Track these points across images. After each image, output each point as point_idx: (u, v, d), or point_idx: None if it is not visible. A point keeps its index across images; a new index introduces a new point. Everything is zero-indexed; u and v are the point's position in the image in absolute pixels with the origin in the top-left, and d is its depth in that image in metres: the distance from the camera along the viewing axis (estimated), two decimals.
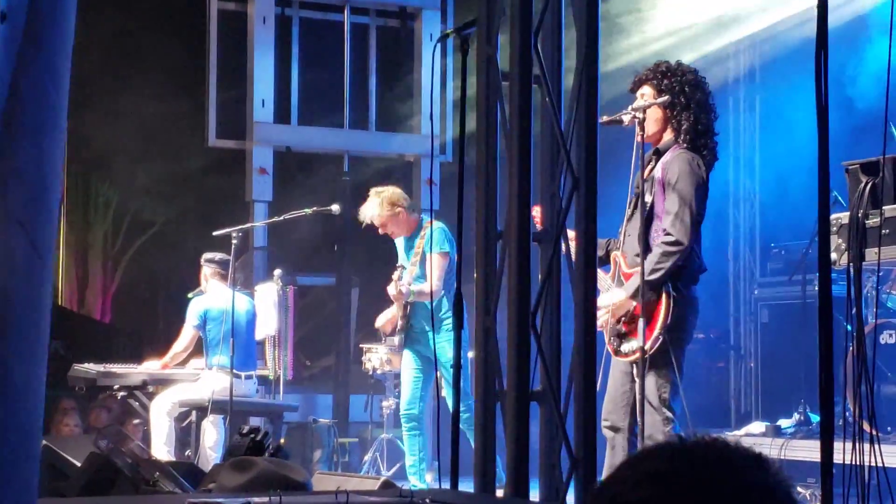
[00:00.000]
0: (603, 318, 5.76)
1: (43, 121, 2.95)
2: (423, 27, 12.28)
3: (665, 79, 5.98)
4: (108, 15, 13.80)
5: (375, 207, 8.56)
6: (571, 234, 4.95)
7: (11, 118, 2.84)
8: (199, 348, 9.57)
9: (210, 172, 13.88)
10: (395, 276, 8.57)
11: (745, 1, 11.23)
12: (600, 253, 5.69)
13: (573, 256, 4.82)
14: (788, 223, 10.52)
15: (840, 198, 6.47)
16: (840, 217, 5.43)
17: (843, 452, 4.85)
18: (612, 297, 5.90)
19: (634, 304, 5.81)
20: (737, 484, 1.42)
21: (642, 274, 5.65)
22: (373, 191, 8.76)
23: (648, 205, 5.89)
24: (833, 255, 5.44)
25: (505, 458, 4.63)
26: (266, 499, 3.38)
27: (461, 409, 5.14)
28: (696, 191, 5.84)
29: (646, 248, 5.76)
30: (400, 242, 8.73)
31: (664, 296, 5.75)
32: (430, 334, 8.04)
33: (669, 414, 5.79)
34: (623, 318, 5.88)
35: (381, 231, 8.62)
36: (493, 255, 4.78)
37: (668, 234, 5.78)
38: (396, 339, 8.77)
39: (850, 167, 5.44)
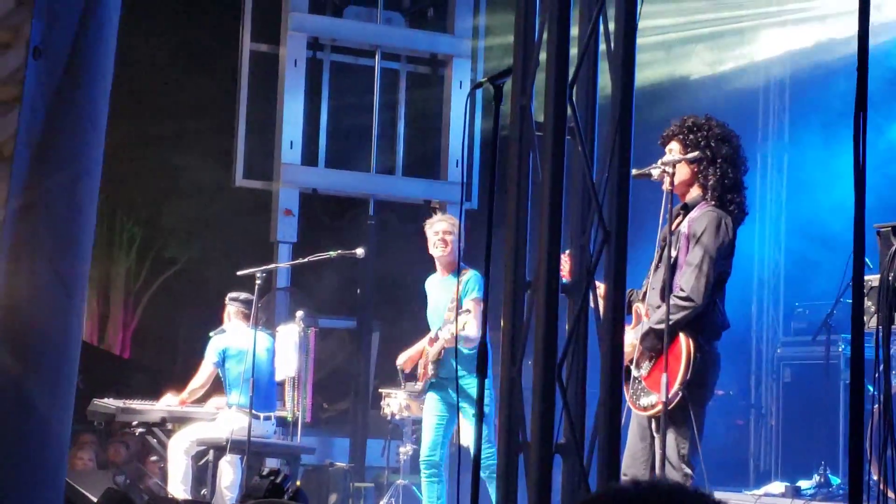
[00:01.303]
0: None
1: (77, 158, 2.96)
2: (452, 74, 12.32)
3: (691, 133, 5.97)
4: (140, 53, 13.90)
5: (449, 222, 8.54)
6: (599, 285, 4.93)
7: (45, 153, 2.84)
8: (219, 386, 9.56)
9: (236, 212, 13.92)
10: (438, 334, 8.47)
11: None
12: None
13: (601, 309, 4.80)
14: (813, 283, 10.48)
15: (868, 261, 6.44)
16: (870, 279, 5.39)
17: None
18: (628, 340, 5.88)
19: (640, 348, 5.79)
20: None
21: (667, 324, 5.62)
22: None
23: (673, 258, 5.87)
24: None
25: None
26: None
27: (486, 455, 5.12)
28: (719, 250, 5.80)
29: (668, 302, 5.74)
30: (433, 283, 8.66)
31: (684, 347, 5.71)
32: (463, 380, 8.03)
33: (688, 471, 5.74)
34: (644, 371, 5.84)
35: (438, 246, 8.48)
36: (521, 306, 4.76)
37: (681, 289, 5.75)
38: (418, 386, 8.74)
39: (882, 230, 5.41)
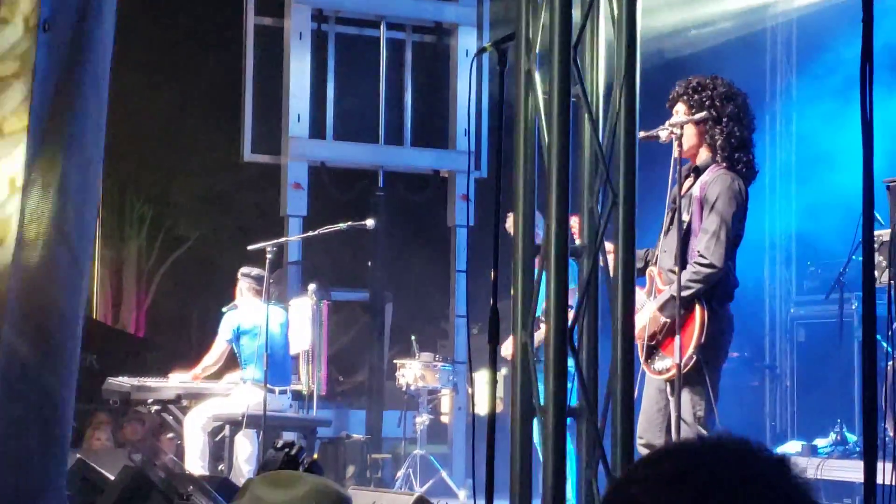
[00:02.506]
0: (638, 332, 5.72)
1: (86, 132, 2.96)
2: (458, 43, 12.27)
3: (696, 94, 5.95)
4: (144, 29, 13.88)
5: None
6: (609, 246, 4.91)
7: (57, 129, 2.84)
8: (233, 362, 9.57)
9: (245, 187, 13.93)
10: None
11: None
12: (639, 265, 5.65)
13: (611, 272, 4.79)
14: (826, 241, 10.45)
15: (879, 217, 6.41)
16: (881, 234, 5.37)
17: (882, 473, 4.79)
18: (646, 313, 5.87)
19: (663, 319, 5.78)
20: (756, 488, 1.36)
21: (678, 289, 5.62)
22: None
23: (686, 222, 5.85)
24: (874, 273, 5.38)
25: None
26: None
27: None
28: (735, 213, 5.80)
29: (682, 265, 5.73)
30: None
31: (698, 313, 5.71)
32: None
33: (704, 432, 5.74)
34: (657, 335, 5.84)
35: None
36: (531, 271, 4.75)
37: (702, 256, 5.73)
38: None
39: (892, 184, 5.39)
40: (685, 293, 5.68)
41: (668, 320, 5.80)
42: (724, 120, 5.89)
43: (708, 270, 5.73)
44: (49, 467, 2.88)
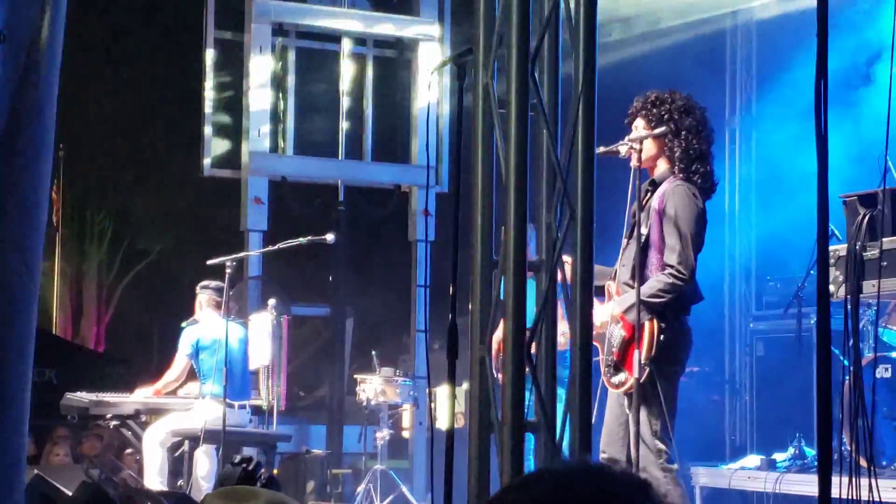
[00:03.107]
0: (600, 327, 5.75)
1: (40, 144, 2.94)
2: (419, 58, 12.29)
3: (654, 108, 5.99)
4: (104, 43, 13.83)
5: None
6: (567, 259, 4.92)
7: (13, 141, 2.82)
8: (192, 375, 9.52)
9: (205, 202, 13.89)
10: None
11: None
12: (599, 283, 5.66)
13: (570, 287, 4.79)
14: (784, 256, 10.51)
15: (836, 231, 6.44)
16: (837, 249, 5.41)
17: (839, 487, 4.81)
18: (604, 310, 5.88)
19: (627, 326, 5.79)
20: None
21: (638, 298, 5.63)
22: None
23: (645, 235, 5.87)
24: (830, 288, 5.41)
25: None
26: None
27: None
28: (696, 224, 5.83)
29: (640, 278, 5.75)
30: None
31: (647, 325, 5.73)
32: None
33: (662, 446, 5.75)
34: (616, 349, 5.86)
35: None
36: (489, 285, 4.75)
37: (679, 271, 5.75)
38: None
39: (848, 199, 5.42)
40: (654, 301, 5.71)
41: (626, 335, 5.81)
42: (683, 133, 5.93)
43: (683, 285, 5.77)
44: (3, 484, 2.84)
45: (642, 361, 5.67)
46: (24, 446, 2.94)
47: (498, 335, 4.99)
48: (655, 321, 5.73)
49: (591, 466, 1.46)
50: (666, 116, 5.94)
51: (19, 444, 2.91)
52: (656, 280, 5.79)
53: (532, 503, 1.42)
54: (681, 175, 5.93)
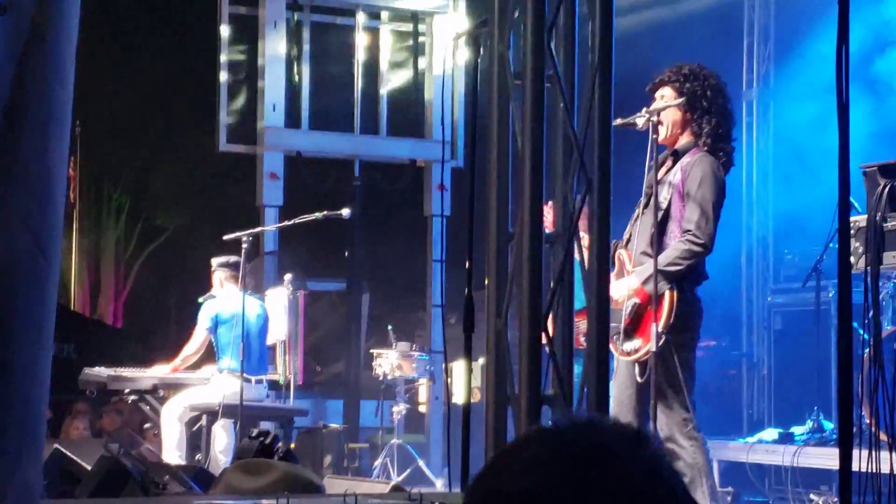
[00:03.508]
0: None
1: (47, 117, 2.90)
2: (435, 31, 12.24)
3: (688, 82, 5.97)
4: (118, 19, 13.81)
5: None
6: (583, 235, 4.90)
7: (15, 114, 2.79)
8: (210, 352, 9.54)
9: (221, 178, 13.87)
10: None
11: None
12: None
13: (586, 260, 4.77)
14: (802, 229, 10.45)
15: (855, 203, 6.40)
16: (857, 220, 5.36)
17: (858, 460, 4.78)
18: (623, 284, 5.86)
19: (642, 292, 5.77)
20: (617, 466, 1.38)
21: (655, 271, 5.61)
22: None
23: (664, 206, 5.85)
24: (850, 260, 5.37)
25: None
26: (274, 501, 3.33)
27: None
28: (717, 198, 5.84)
29: (658, 249, 5.73)
30: None
31: (667, 294, 5.73)
32: None
33: (686, 415, 5.76)
34: (628, 315, 5.84)
35: None
36: (505, 258, 4.73)
37: (696, 236, 5.75)
38: None
39: (868, 170, 5.38)
40: (673, 269, 5.72)
41: (639, 301, 5.80)
42: (715, 111, 5.94)
43: (700, 250, 5.78)
44: (20, 454, 2.84)
45: (660, 330, 5.67)
46: (44, 421, 2.94)
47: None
48: (674, 290, 5.73)
49: (581, 422, 1.44)
50: (699, 92, 5.94)
51: (39, 419, 2.90)
52: (673, 248, 5.79)
53: (526, 465, 1.39)
54: (705, 149, 5.92)
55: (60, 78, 2.90)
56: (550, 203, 4.98)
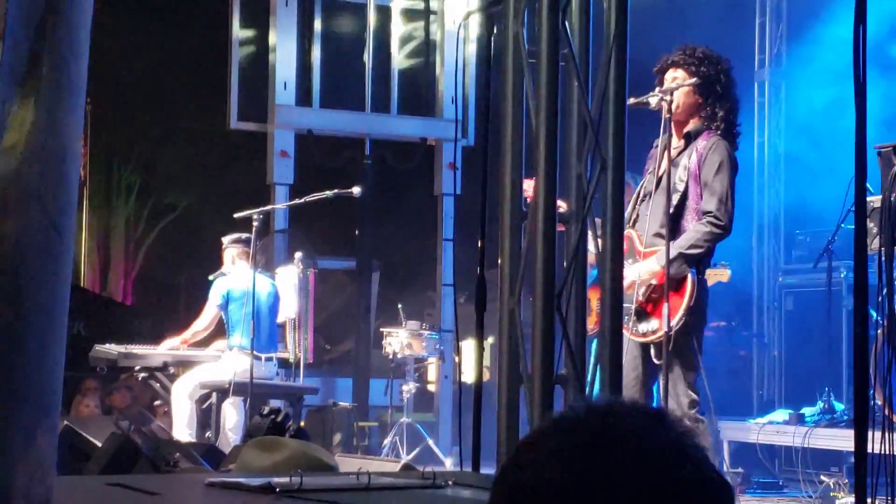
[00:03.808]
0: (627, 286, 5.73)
1: (62, 94, 2.89)
2: (446, 9, 12.20)
3: (702, 65, 5.95)
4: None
5: None
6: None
7: (30, 90, 2.77)
8: (220, 330, 9.54)
9: (231, 156, 13.86)
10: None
11: None
12: None
13: (599, 241, 4.76)
14: (814, 210, 10.43)
15: (869, 184, 6.37)
16: (872, 201, 5.33)
17: (871, 442, 4.77)
18: (642, 267, 5.85)
19: (663, 275, 5.77)
20: (641, 449, 1.36)
21: (667, 252, 5.60)
22: None
23: (681, 190, 5.84)
24: None
25: None
26: (287, 479, 3.33)
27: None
28: (734, 181, 5.85)
29: (673, 230, 5.73)
30: None
31: (689, 278, 5.73)
32: None
33: (694, 396, 5.77)
34: (642, 296, 5.83)
35: None
36: (518, 237, 4.71)
37: (717, 218, 5.76)
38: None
39: (883, 150, 5.35)
40: (694, 251, 5.74)
41: (657, 283, 5.79)
42: (728, 96, 5.95)
43: (720, 232, 5.81)
44: (34, 432, 2.84)
45: (681, 313, 5.67)
46: (59, 397, 2.93)
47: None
48: (694, 277, 5.75)
49: (599, 408, 1.42)
50: (713, 76, 5.93)
51: (54, 395, 2.90)
52: (694, 231, 5.78)
53: (550, 457, 1.37)
54: (718, 133, 5.92)
55: (75, 52, 2.88)
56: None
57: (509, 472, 1.41)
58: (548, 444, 1.40)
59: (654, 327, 5.77)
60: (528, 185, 4.90)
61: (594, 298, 5.19)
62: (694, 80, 5.90)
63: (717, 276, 7.08)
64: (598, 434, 1.38)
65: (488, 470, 4.81)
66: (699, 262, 5.83)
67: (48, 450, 2.85)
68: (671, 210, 5.77)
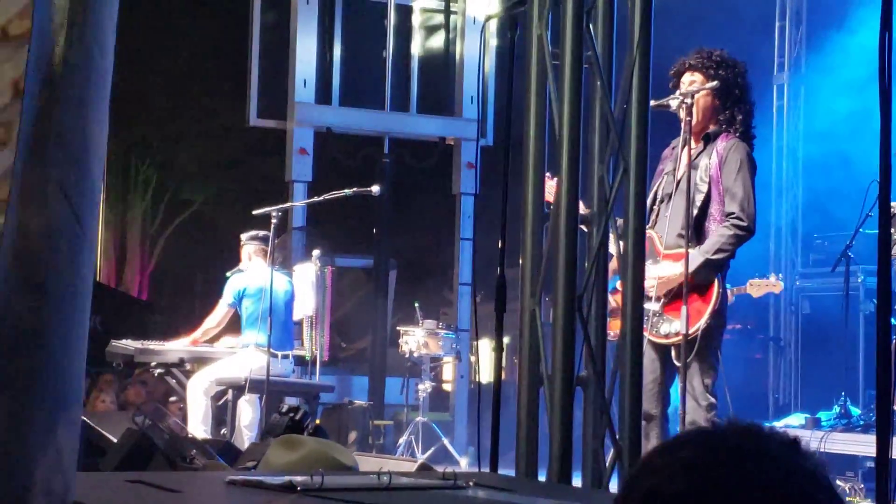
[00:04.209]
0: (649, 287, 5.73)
1: (88, 88, 2.89)
2: (466, 8, 12.20)
3: (720, 69, 5.96)
4: None
5: None
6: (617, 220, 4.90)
7: (57, 83, 2.78)
8: (233, 327, 9.56)
9: (250, 152, 13.89)
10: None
11: None
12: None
13: (621, 243, 4.76)
14: (832, 214, 10.41)
15: None
16: (892, 206, 5.33)
17: (892, 448, 4.76)
18: (667, 268, 5.84)
19: (675, 282, 5.77)
20: (776, 470, 1.38)
21: (686, 257, 5.59)
22: None
23: (704, 192, 5.85)
24: None
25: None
26: (308, 477, 3.33)
27: None
28: (754, 182, 5.87)
29: (697, 232, 5.75)
30: None
31: (716, 282, 5.75)
32: None
33: (713, 400, 5.77)
34: (665, 300, 5.83)
35: None
36: (540, 238, 4.72)
37: (740, 219, 5.77)
38: None
39: None
40: (720, 255, 5.75)
41: (675, 286, 5.79)
42: (746, 100, 5.97)
43: (744, 234, 5.82)
44: (56, 427, 2.84)
45: (707, 316, 5.69)
46: (80, 392, 2.94)
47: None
48: (720, 281, 5.77)
49: (739, 426, 1.44)
50: (731, 80, 5.94)
51: (75, 390, 2.91)
52: (718, 235, 5.78)
53: (682, 467, 1.39)
54: (737, 135, 5.93)
55: (101, 47, 2.88)
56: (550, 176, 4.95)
57: (641, 477, 1.43)
58: (682, 452, 1.41)
59: (677, 329, 5.76)
60: (549, 187, 4.90)
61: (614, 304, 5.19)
62: (715, 83, 5.89)
63: (769, 287, 7.11)
64: (734, 451, 1.39)
65: (507, 471, 4.81)
66: (722, 265, 5.83)
67: (69, 444, 2.86)
68: (695, 212, 5.77)
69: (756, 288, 7.21)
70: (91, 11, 2.85)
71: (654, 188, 6.09)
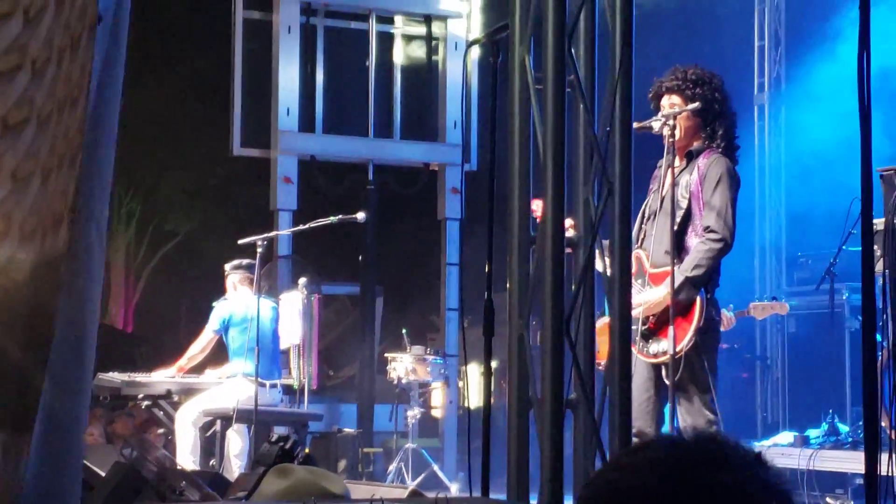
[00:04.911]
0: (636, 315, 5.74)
1: (114, 120, 2.95)
2: (448, 34, 12.24)
3: (697, 87, 5.98)
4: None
5: None
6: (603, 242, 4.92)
7: (99, 119, 2.83)
8: (216, 357, 9.54)
9: (234, 181, 13.88)
10: None
11: None
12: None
13: (607, 264, 4.78)
14: (815, 232, 10.46)
15: None
16: (875, 223, 5.36)
17: (879, 464, 4.77)
18: (651, 294, 5.86)
19: (664, 304, 5.78)
20: (736, 475, 1.42)
21: (672, 274, 5.62)
22: None
23: (684, 208, 5.87)
24: None
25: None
26: None
27: None
28: (736, 193, 5.88)
29: (679, 249, 5.76)
30: None
31: (698, 301, 5.75)
32: None
33: (711, 416, 5.78)
34: (652, 318, 5.85)
35: None
36: (527, 262, 4.73)
37: (714, 231, 5.77)
38: None
39: (885, 173, 5.38)
40: (698, 272, 5.74)
41: (659, 311, 5.81)
42: (727, 115, 5.99)
43: (720, 245, 5.79)
44: (57, 465, 2.85)
45: (691, 333, 5.69)
46: (83, 425, 2.96)
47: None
48: (703, 297, 5.77)
49: (704, 434, 1.49)
50: (709, 96, 5.96)
51: (83, 417, 2.93)
52: (695, 251, 5.80)
53: (647, 464, 1.44)
54: (719, 151, 5.96)
55: (121, 76, 2.94)
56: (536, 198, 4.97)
57: (606, 472, 1.48)
58: (646, 453, 1.46)
59: (665, 348, 5.77)
60: (536, 206, 4.92)
61: (602, 333, 5.20)
62: (696, 105, 5.92)
63: (773, 308, 7.14)
64: (699, 452, 1.44)
65: (498, 495, 4.81)
66: (707, 281, 5.83)
67: (73, 477, 2.87)
68: (675, 227, 5.79)
69: (760, 310, 7.24)
70: (119, 47, 2.91)
71: (643, 207, 6.13)
